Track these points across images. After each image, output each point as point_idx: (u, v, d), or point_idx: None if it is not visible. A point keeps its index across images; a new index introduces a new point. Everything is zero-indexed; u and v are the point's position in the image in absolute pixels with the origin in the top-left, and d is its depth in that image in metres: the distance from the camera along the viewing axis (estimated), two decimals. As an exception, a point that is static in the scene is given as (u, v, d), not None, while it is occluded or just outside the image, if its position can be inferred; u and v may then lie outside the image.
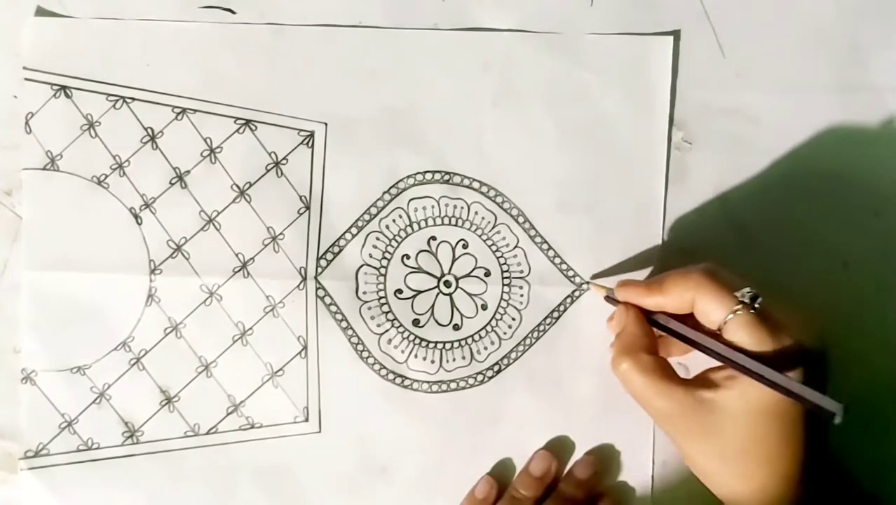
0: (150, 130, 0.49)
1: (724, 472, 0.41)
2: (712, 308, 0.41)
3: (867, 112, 0.47)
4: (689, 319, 0.42)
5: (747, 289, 0.40)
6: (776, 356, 0.40)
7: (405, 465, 0.49)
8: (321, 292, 0.49)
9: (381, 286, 0.49)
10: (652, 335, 0.43)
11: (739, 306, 0.40)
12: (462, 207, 0.49)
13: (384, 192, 0.49)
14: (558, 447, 0.48)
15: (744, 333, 0.40)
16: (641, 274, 0.48)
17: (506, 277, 0.49)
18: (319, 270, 0.49)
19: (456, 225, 0.49)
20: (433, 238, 0.49)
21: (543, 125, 0.48)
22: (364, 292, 0.49)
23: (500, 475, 0.48)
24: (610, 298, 0.45)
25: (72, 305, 0.48)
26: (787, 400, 0.39)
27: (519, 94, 0.48)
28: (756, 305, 0.40)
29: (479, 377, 0.49)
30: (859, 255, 0.48)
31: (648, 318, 0.43)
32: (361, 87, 0.48)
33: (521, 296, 0.48)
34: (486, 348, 0.49)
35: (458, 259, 0.49)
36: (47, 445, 0.49)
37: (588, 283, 0.48)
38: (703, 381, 0.41)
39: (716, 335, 0.41)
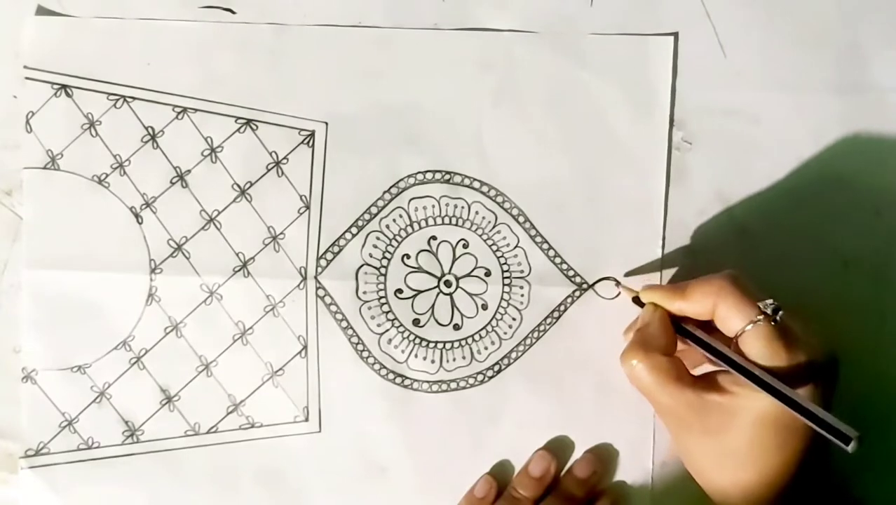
0: (150, 130, 0.49)
1: (715, 469, 0.42)
2: (733, 315, 0.40)
3: (868, 112, 0.47)
4: (711, 330, 0.42)
5: (770, 300, 0.40)
6: (789, 372, 0.40)
7: (405, 465, 0.49)
8: (321, 292, 0.49)
9: (382, 286, 0.49)
10: (672, 338, 0.43)
11: (761, 317, 0.40)
12: (462, 207, 0.49)
13: (384, 192, 0.49)
14: (558, 447, 0.48)
15: (761, 345, 0.40)
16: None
17: (506, 277, 0.49)
18: (319, 269, 0.49)
19: (456, 225, 0.49)
20: (433, 238, 0.49)
21: (543, 125, 0.48)
22: (364, 292, 0.49)
23: (500, 475, 0.48)
24: (637, 300, 0.45)
25: (72, 304, 0.48)
26: (791, 413, 0.39)
27: (519, 94, 0.48)
28: (777, 318, 0.40)
29: (480, 377, 0.49)
30: (859, 254, 0.48)
31: (676, 324, 0.43)
32: (362, 86, 0.48)
33: (522, 296, 0.48)
34: (486, 348, 0.49)
35: (458, 259, 0.49)
36: (48, 443, 0.49)
37: (589, 285, 0.48)
38: (712, 383, 0.41)
39: (731, 344, 0.41)
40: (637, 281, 0.47)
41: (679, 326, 0.43)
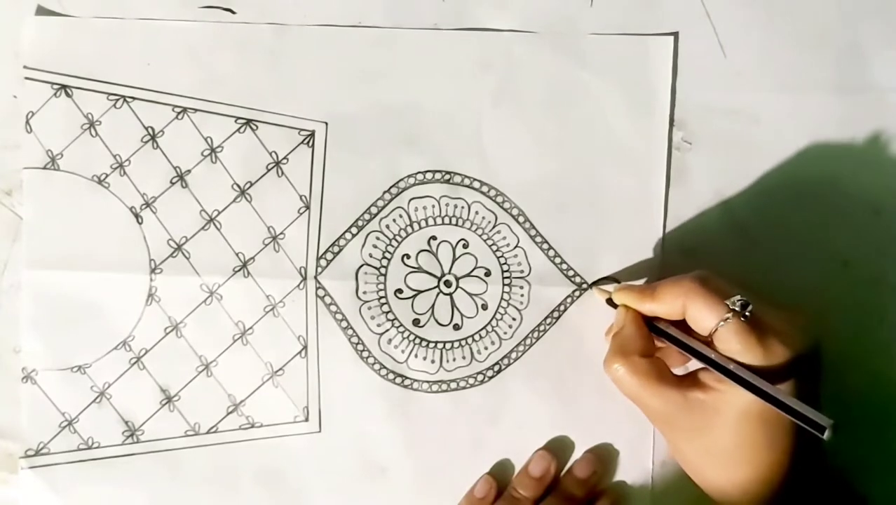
0: (150, 130, 0.49)
1: (708, 468, 0.42)
2: (703, 315, 0.41)
3: (867, 112, 0.47)
4: (688, 328, 0.43)
5: (738, 296, 0.40)
6: (767, 365, 0.40)
7: (405, 465, 0.49)
8: (321, 292, 0.49)
9: (382, 286, 0.49)
10: (648, 338, 0.43)
11: (730, 314, 0.40)
12: (462, 207, 0.49)
13: (384, 192, 0.49)
14: (558, 447, 0.48)
15: (735, 341, 0.40)
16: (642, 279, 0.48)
17: (506, 277, 0.49)
18: (319, 269, 0.49)
19: (456, 225, 0.49)
20: (433, 238, 0.49)
21: (543, 125, 0.48)
22: (364, 292, 0.49)
23: (500, 475, 0.49)
24: (611, 302, 0.46)
25: (72, 304, 0.48)
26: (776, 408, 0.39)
27: (519, 94, 0.48)
28: (747, 313, 0.40)
29: (480, 377, 0.49)
30: (859, 254, 0.48)
31: (650, 324, 0.43)
32: (361, 86, 0.48)
33: (522, 296, 0.48)
34: (486, 348, 0.49)
35: (458, 259, 0.49)
36: (48, 444, 0.49)
37: (591, 286, 0.48)
38: (695, 381, 0.42)
39: (708, 343, 0.41)
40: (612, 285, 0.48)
41: (653, 326, 0.43)
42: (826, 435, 0.38)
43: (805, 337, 0.41)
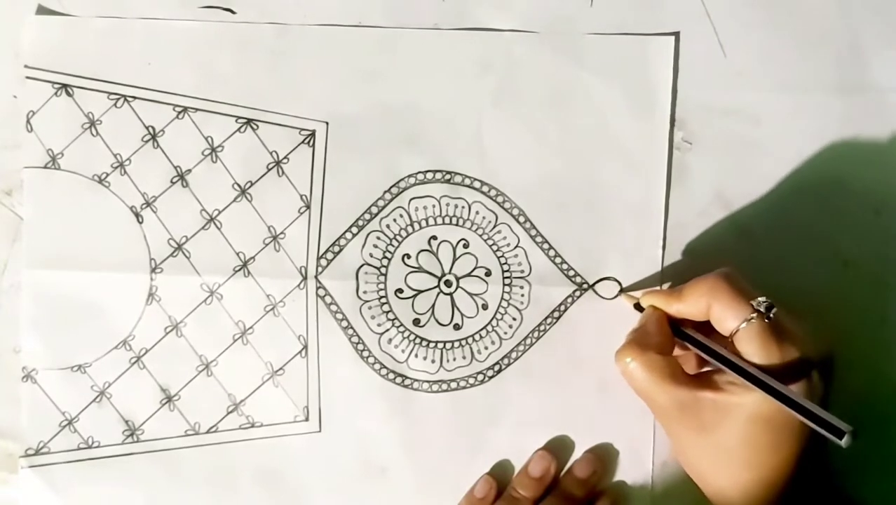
0: (151, 129, 0.49)
1: (710, 468, 0.42)
2: (727, 314, 0.41)
3: (868, 112, 0.47)
4: (709, 332, 0.43)
5: (763, 298, 0.40)
6: (784, 368, 0.40)
7: (405, 465, 0.49)
8: (322, 292, 0.49)
9: (382, 286, 0.49)
10: (667, 337, 0.43)
11: (754, 315, 0.40)
12: (463, 207, 0.49)
13: (385, 192, 0.49)
14: (558, 447, 0.48)
15: (755, 343, 0.40)
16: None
17: (506, 277, 0.49)
18: (320, 269, 0.49)
19: (457, 224, 0.49)
20: (434, 237, 0.49)
21: (543, 125, 0.48)
22: (364, 292, 0.49)
23: (500, 475, 0.48)
24: (638, 307, 0.46)
25: (72, 303, 0.48)
26: (785, 412, 0.39)
27: (519, 94, 0.48)
28: (771, 315, 0.40)
29: (480, 377, 0.49)
30: (859, 255, 0.48)
31: (675, 328, 0.43)
32: (362, 86, 0.48)
33: (522, 296, 0.48)
34: (486, 348, 0.49)
35: (458, 259, 0.49)
36: (48, 443, 0.49)
37: (591, 287, 0.48)
38: (706, 382, 0.42)
39: (726, 346, 0.41)
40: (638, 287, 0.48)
41: (677, 330, 0.43)
42: (845, 441, 0.37)
43: (821, 344, 0.41)
